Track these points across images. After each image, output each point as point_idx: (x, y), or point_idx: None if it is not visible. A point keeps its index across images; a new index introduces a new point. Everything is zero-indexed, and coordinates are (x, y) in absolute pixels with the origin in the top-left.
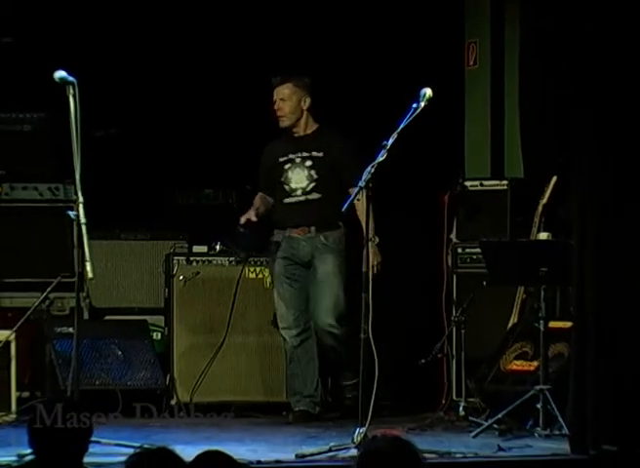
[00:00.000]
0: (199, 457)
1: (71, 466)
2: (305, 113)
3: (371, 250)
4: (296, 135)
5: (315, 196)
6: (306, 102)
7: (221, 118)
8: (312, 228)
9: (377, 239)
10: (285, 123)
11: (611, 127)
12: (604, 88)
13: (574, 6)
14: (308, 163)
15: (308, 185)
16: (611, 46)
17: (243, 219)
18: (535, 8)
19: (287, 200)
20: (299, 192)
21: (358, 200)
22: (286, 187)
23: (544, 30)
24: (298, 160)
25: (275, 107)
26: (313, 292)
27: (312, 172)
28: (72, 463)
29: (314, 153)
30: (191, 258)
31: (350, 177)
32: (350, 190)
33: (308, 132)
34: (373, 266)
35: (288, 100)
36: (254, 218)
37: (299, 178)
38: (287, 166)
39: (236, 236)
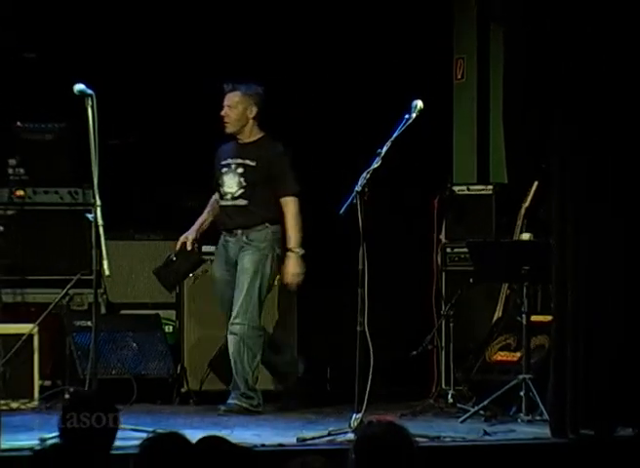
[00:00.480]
0: (200, 441)
1: (99, 457)
2: (251, 121)
3: (293, 261)
4: (240, 141)
5: (242, 202)
6: (252, 111)
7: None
8: (239, 231)
9: (301, 250)
10: (229, 129)
11: (591, 137)
12: (587, 100)
13: (559, 18)
14: (240, 170)
15: (237, 191)
16: (595, 59)
17: (178, 245)
18: (520, 19)
19: (221, 202)
20: (228, 197)
21: (354, 203)
22: (221, 190)
23: (528, 43)
24: (233, 166)
25: (222, 113)
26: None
27: (242, 179)
28: (99, 455)
29: (247, 161)
30: (200, 257)
31: (280, 188)
32: (281, 200)
33: (251, 140)
34: (294, 275)
35: (234, 108)
36: (189, 246)
37: (230, 184)
38: (224, 170)
39: (166, 268)
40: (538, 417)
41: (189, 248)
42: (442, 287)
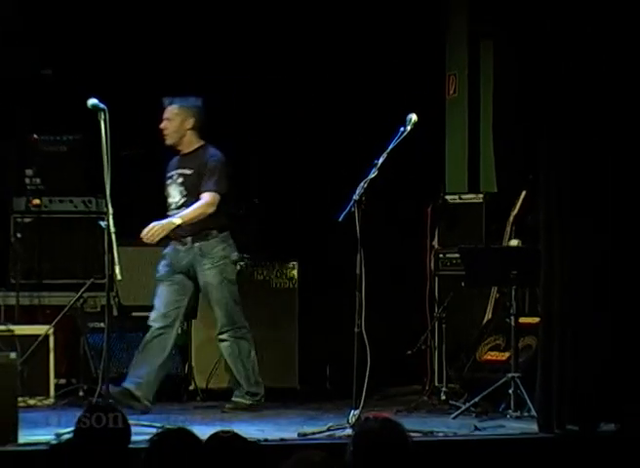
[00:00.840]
0: (212, 436)
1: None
2: (189, 132)
3: (165, 222)
4: (181, 153)
5: None
6: (190, 123)
7: (232, 139)
8: (188, 239)
9: (178, 221)
10: (168, 141)
11: (577, 150)
12: (574, 116)
13: (550, 32)
14: (180, 180)
15: (179, 200)
16: (584, 74)
17: None
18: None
19: (168, 213)
20: (173, 206)
21: (352, 211)
22: (167, 201)
23: (518, 59)
24: (175, 176)
25: (161, 126)
26: (209, 303)
27: (182, 188)
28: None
29: (186, 170)
30: None
31: (204, 186)
32: (203, 194)
33: (191, 150)
34: (155, 229)
35: (172, 121)
36: None
37: (174, 194)
38: (168, 182)
39: None
40: (525, 414)
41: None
42: (435, 290)
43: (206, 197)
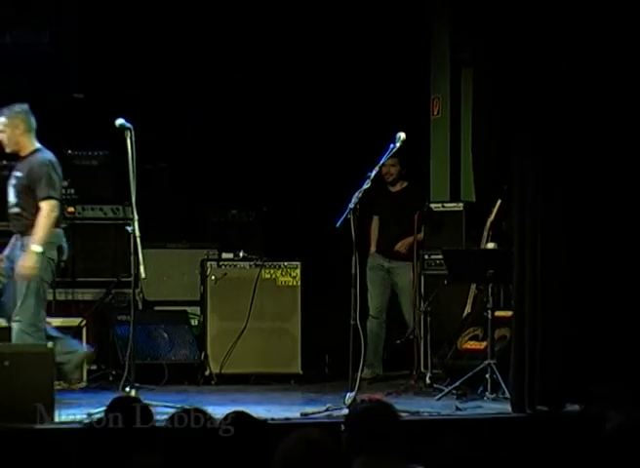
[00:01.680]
0: (228, 415)
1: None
2: (22, 138)
3: (26, 256)
4: (20, 157)
5: (16, 210)
6: (20, 128)
7: (242, 156)
8: (18, 236)
9: (38, 248)
10: (7, 150)
11: (546, 165)
12: (543, 134)
13: (522, 58)
14: (13, 182)
15: (12, 201)
16: (552, 92)
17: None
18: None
19: (8, 211)
20: (9, 206)
21: (348, 218)
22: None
23: (493, 84)
24: (11, 178)
25: None
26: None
27: (15, 190)
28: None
29: (17, 173)
30: (221, 263)
31: (36, 195)
32: (40, 204)
33: (26, 153)
34: (25, 268)
35: (4, 131)
36: (1, 264)
37: (10, 194)
38: (8, 182)
39: None
40: (501, 396)
41: (2, 265)
42: (421, 287)
43: (43, 207)
